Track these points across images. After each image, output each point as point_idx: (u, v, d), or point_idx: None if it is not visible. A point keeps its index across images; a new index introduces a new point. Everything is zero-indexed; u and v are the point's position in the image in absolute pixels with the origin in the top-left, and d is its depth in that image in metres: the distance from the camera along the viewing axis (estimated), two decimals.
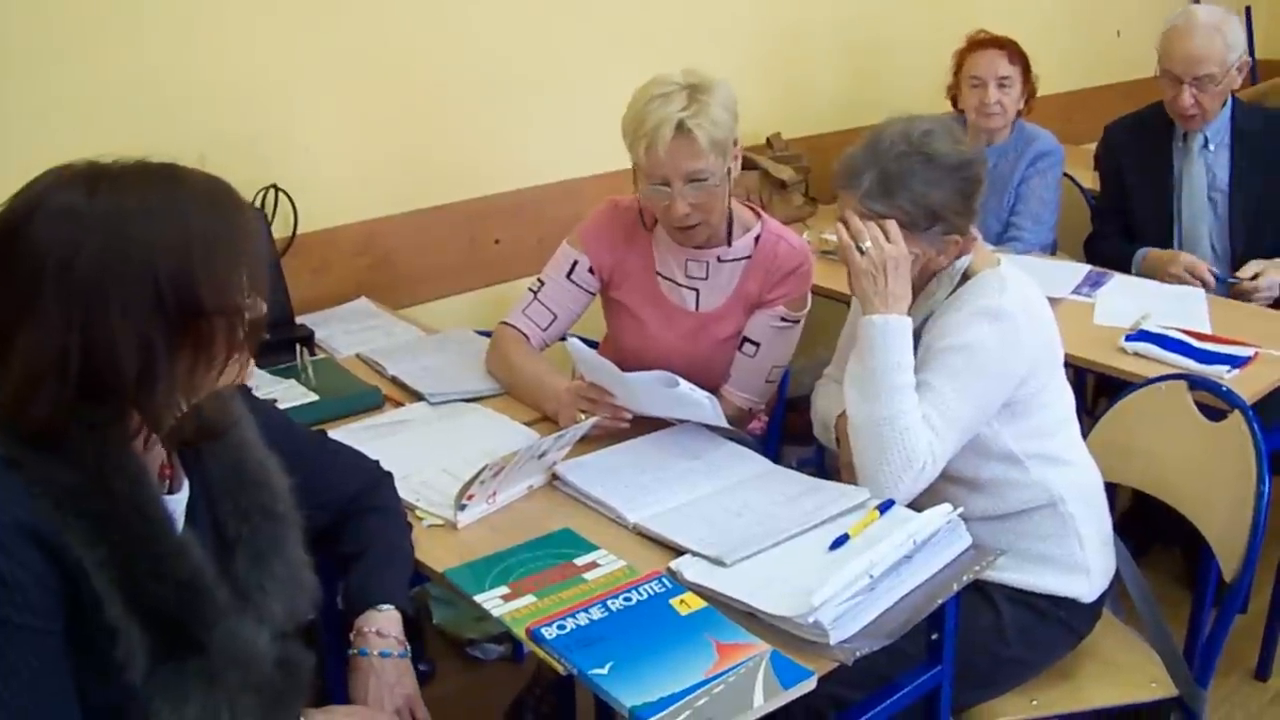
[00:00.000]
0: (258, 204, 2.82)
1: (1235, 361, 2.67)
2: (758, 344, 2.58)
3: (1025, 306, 2.16)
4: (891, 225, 2.09)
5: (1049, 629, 2.23)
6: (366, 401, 2.47)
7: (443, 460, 2.20)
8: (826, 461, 2.90)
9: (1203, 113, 3.35)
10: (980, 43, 3.68)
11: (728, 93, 2.43)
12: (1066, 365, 2.38)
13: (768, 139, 3.91)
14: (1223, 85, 3.33)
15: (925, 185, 2.09)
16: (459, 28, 3.16)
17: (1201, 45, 3.29)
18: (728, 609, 1.76)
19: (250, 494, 1.54)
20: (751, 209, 2.66)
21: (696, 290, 2.61)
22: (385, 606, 1.77)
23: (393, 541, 1.90)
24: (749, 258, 2.59)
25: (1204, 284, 3.23)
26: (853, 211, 2.14)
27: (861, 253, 2.10)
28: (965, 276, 2.20)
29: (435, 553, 1.94)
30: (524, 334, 2.60)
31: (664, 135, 2.34)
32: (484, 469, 1.98)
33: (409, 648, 1.78)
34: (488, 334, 2.71)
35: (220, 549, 1.48)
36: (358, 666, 1.72)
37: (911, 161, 2.09)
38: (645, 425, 2.34)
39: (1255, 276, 3.20)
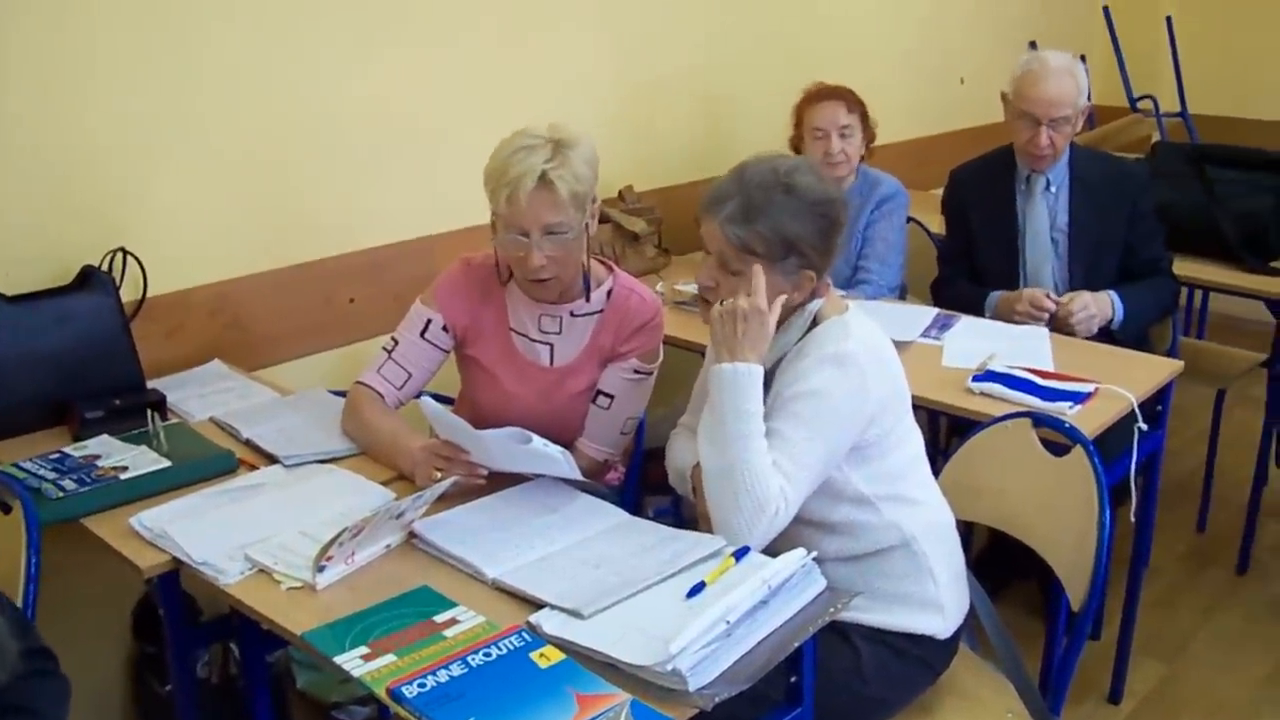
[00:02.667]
0: (105, 267, 2.77)
1: (1077, 398, 2.74)
2: (611, 396, 2.62)
3: (871, 351, 2.21)
4: (756, 277, 2.14)
5: (907, 666, 2.27)
6: (220, 466, 2.43)
7: (300, 522, 2.17)
8: (684, 511, 2.93)
9: (1055, 153, 3.47)
10: (818, 95, 3.75)
11: (591, 149, 2.49)
12: (917, 407, 2.45)
13: (620, 191, 3.94)
14: (1072, 126, 3.46)
15: (785, 216, 2.14)
16: (311, 84, 3.15)
17: (1058, 88, 3.40)
18: (587, 660, 1.77)
19: None
20: (604, 263, 2.70)
21: (550, 345, 2.64)
22: None
23: None
24: (601, 312, 2.62)
25: (1048, 312, 3.32)
26: (714, 235, 2.19)
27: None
28: (815, 323, 2.25)
29: (294, 616, 1.92)
30: (379, 393, 2.59)
31: (526, 186, 2.37)
32: (343, 530, 1.97)
33: None
34: (344, 394, 2.69)
35: None
36: None
37: (774, 192, 2.15)
38: (502, 481, 2.34)
39: (1081, 310, 3.29)
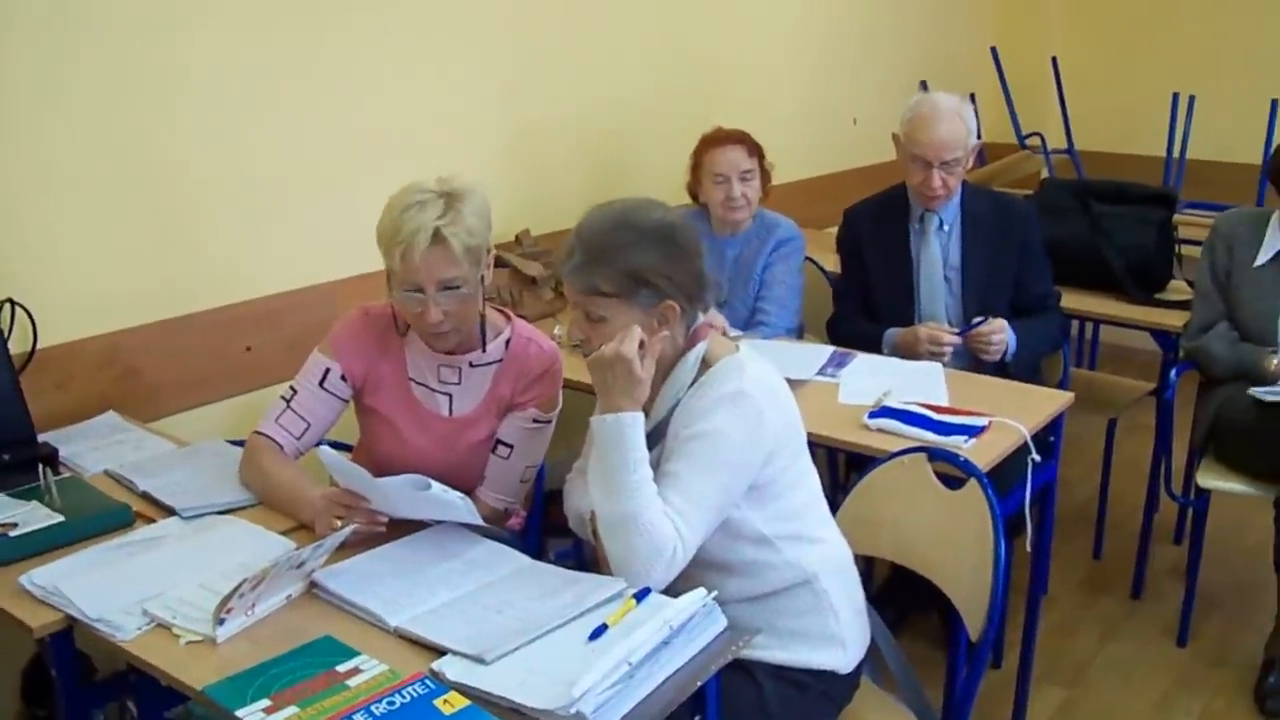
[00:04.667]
0: None
1: (971, 431, 2.78)
2: (511, 446, 2.62)
3: (765, 389, 2.23)
4: (614, 323, 2.16)
5: (810, 702, 2.29)
6: (116, 520, 2.39)
7: (199, 575, 2.14)
8: (585, 553, 2.93)
9: (948, 193, 3.53)
10: (718, 140, 3.77)
11: (482, 200, 2.49)
12: (816, 445, 2.47)
13: (516, 236, 3.95)
14: (963, 166, 3.52)
15: (625, 250, 2.16)
16: (201, 132, 3.13)
17: (948, 131, 3.46)
18: (491, 706, 1.76)
19: None
20: (502, 312, 2.71)
21: (450, 395, 2.64)
22: None
23: None
24: (500, 361, 2.63)
25: (947, 345, 3.39)
26: (569, 290, 2.22)
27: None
28: (706, 365, 2.27)
29: (194, 670, 1.89)
30: (277, 443, 2.57)
31: (420, 243, 2.37)
32: (242, 582, 1.95)
33: None
34: (242, 444, 2.66)
35: None
36: None
37: (612, 232, 2.18)
38: (403, 528, 2.33)
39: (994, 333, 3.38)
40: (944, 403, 2.99)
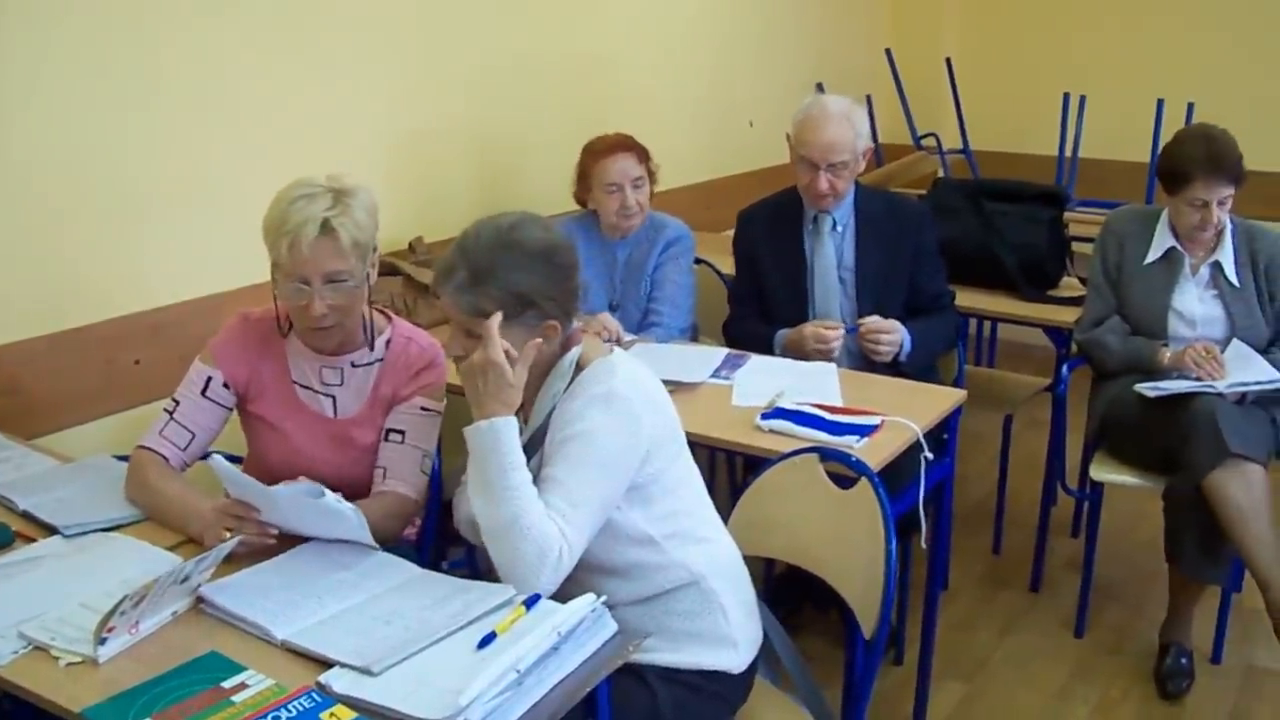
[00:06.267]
0: None
1: (863, 431, 2.80)
2: (402, 432, 2.60)
3: (638, 388, 2.25)
4: (487, 329, 2.15)
5: (704, 703, 2.29)
6: None
7: (80, 594, 2.09)
8: (479, 561, 2.91)
9: (836, 195, 3.53)
10: (606, 149, 3.73)
11: (370, 198, 2.49)
12: (710, 447, 2.47)
13: (410, 243, 3.92)
14: (852, 169, 3.53)
15: (514, 272, 2.17)
16: (83, 139, 3.05)
17: (835, 134, 3.47)
18: (379, 717, 1.75)
19: None
20: (383, 312, 2.70)
21: (333, 397, 2.62)
22: None
23: None
24: (381, 360, 2.62)
25: (833, 341, 3.40)
26: (449, 307, 2.21)
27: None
28: (580, 368, 2.27)
29: (73, 692, 1.85)
30: (163, 456, 2.53)
31: (308, 233, 2.36)
32: (124, 599, 1.91)
33: None
34: (129, 459, 2.60)
35: None
36: None
37: (498, 252, 2.18)
38: (295, 538, 2.30)
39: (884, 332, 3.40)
40: (838, 403, 3.00)
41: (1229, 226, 3.59)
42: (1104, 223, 3.83)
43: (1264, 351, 3.52)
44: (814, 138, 3.49)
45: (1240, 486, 3.20)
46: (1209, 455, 3.22)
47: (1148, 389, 3.41)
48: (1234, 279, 3.58)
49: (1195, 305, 3.62)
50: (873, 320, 3.43)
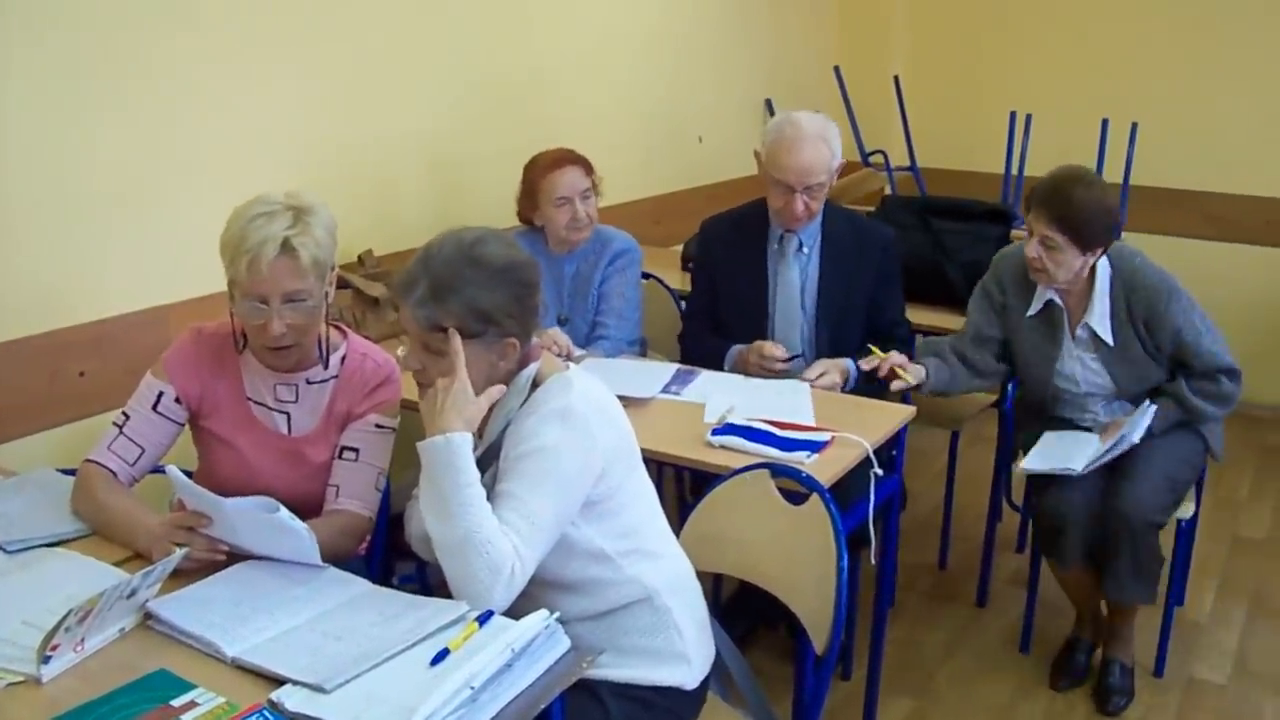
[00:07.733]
0: None
1: (814, 447, 2.81)
2: (356, 449, 2.58)
3: (593, 404, 2.25)
4: (450, 343, 2.15)
5: (657, 719, 2.29)
6: None
7: (23, 612, 2.06)
8: (430, 576, 2.90)
9: (810, 217, 3.51)
10: (555, 163, 3.71)
11: (330, 216, 2.48)
12: (660, 463, 2.46)
13: (359, 256, 3.90)
14: (827, 188, 3.50)
15: (475, 289, 2.16)
16: (22, 150, 3.02)
17: (811, 156, 3.41)
18: None
19: None
20: (338, 328, 2.68)
21: (288, 414, 2.60)
22: None
23: None
24: (336, 378, 2.60)
25: (779, 367, 3.40)
26: (408, 320, 2.19)
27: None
28: (536, 385, 2.27)
29: (15, 713, 1.82)
30: (111, 470, 2.50)
31: (268, 252, 2.35)
32: (68, 615, 1.88)
33: None
34: (74, 473, 2.57)
35: None
36: None
37: (461, 267, 2.17)
38: (245, 552, 2.28)
39: (820, 376, 3.34)
40: (811, 421, 3.00)
41: (1104, 283, 3.40)
42: (992, 262, 3.67)
43: (1155, 390, 3.46)
44: (789, 160, 3.43)
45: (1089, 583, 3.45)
46: (1059, 558, 3.40)
47: (1027, 467, 3.42)
48: (1109, 340, 3.43)
49: (1078, 368, 3.53)
50: (813, 374, 3.35)
